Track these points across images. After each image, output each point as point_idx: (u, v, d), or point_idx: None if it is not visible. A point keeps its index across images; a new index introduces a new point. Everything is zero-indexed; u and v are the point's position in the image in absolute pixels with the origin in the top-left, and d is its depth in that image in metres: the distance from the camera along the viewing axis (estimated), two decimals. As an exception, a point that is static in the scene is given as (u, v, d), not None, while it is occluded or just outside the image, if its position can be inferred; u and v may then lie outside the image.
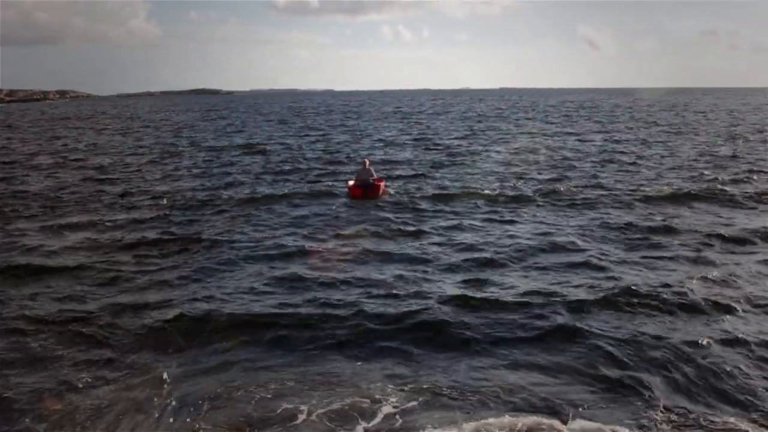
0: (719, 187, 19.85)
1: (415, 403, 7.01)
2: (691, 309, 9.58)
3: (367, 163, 21.04)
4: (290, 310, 9.66)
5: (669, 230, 14.49)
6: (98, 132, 50.10)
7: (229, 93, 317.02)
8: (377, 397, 7.15)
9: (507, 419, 6.62)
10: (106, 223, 15.94)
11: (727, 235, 13.87)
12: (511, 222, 15.58)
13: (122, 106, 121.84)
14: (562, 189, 19.87)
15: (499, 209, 17.08)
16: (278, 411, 6.92)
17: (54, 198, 19.75)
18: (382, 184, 20.23)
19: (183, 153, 33.32)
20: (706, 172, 23.22)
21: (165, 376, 7.74)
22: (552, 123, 54.63)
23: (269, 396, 7.25)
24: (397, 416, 6.77)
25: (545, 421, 6.61)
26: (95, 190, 21.32)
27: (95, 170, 26.51)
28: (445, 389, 7.34)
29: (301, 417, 6.80)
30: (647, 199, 18.20)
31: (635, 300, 9.87)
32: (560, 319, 9.14)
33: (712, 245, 13.24)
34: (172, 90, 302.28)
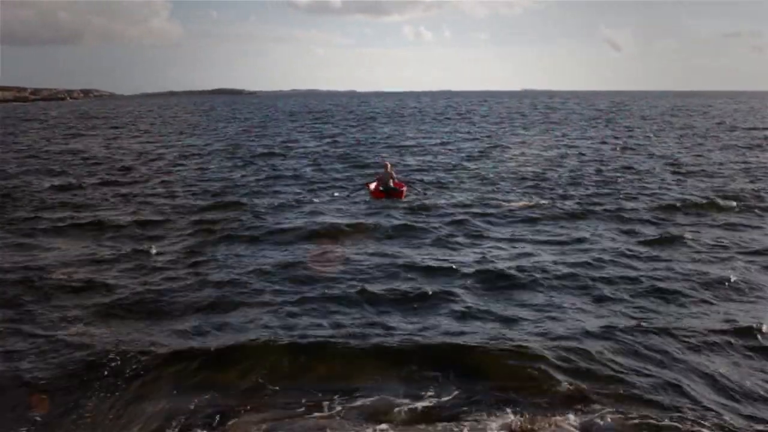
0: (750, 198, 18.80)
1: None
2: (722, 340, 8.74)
3: (389, 165, 20.55)
4: (309, 326, 9.20)
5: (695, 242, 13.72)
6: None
7: (251, 93, 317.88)
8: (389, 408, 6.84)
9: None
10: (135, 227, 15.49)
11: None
12: (538, 235, 14.60)
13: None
14: (590, 198, 18.92)
15: (526, 220, 16.09)
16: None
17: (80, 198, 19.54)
18: (404, 188, 19.70)
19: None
20: (740, 182, 22.35)
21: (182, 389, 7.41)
22: (576, 129, 53.67)
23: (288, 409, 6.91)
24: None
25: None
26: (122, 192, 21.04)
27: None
28: (456, 403, 7.00)
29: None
30: (678, 210, 17.28)
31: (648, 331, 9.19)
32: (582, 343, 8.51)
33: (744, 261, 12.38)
34: (195, 90, 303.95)
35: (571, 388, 7.24)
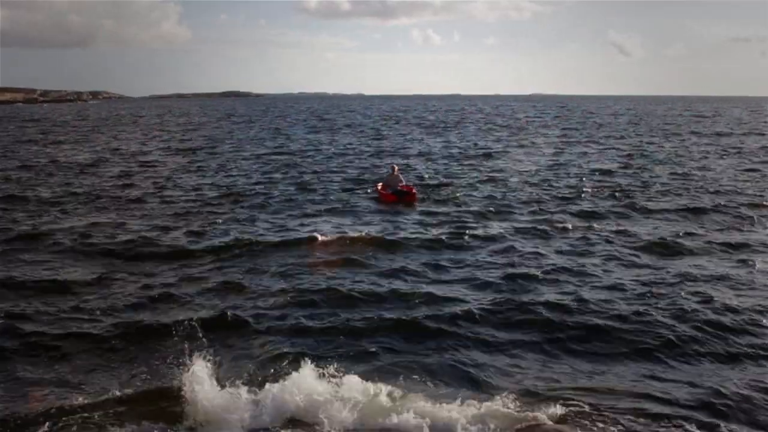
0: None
1: None
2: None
3: (396, 168, 20.06)
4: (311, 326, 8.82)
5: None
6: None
7: (259, 95, 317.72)
8: None
9: None
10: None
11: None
12: (545, 244, 13.80)
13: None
14: (611, 208, 17.90)
15: (537, 228, 15.25)
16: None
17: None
18: (415, 191, 19.17)
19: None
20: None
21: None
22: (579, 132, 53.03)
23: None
24: None
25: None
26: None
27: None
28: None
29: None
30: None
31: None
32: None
33: None
34: (203, 92, 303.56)
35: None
